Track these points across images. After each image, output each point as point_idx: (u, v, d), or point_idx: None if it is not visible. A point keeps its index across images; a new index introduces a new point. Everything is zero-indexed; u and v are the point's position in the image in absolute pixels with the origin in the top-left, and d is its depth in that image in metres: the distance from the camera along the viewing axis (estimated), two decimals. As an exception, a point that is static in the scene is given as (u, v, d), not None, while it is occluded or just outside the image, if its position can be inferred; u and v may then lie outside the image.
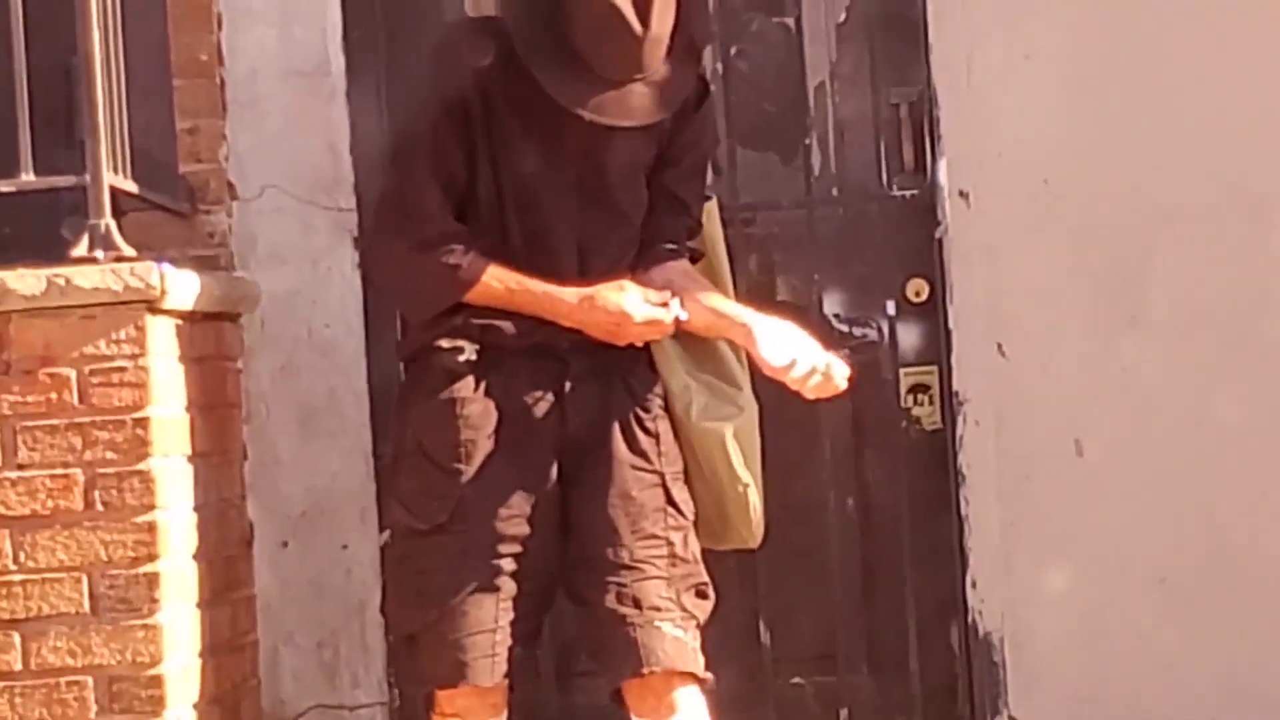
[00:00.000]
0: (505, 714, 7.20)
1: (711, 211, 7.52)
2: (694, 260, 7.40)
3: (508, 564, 7.08)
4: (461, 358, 7.13)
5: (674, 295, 7.17)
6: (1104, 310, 8.30)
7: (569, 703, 8.13)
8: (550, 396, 7.14)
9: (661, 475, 7.14)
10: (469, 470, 7.12)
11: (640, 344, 7.24)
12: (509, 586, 7.09)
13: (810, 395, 7.14)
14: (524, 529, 7.10)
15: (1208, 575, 8.27)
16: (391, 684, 8.24)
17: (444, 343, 7.15)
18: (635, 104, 7.09)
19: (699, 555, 7.17)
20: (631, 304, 7.11)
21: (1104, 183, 8.29)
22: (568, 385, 7.14)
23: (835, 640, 8.47)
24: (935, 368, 8.41)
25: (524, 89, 7.11)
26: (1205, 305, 8.30)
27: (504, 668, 7.06)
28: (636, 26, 6.95)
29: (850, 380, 7.24)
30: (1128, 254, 8.31)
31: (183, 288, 7.12)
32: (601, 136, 7.12)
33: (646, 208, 7.31)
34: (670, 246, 7.31)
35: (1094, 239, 8.31)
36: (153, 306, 6.95)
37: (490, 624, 7.06)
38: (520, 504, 7.09)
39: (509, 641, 7.08)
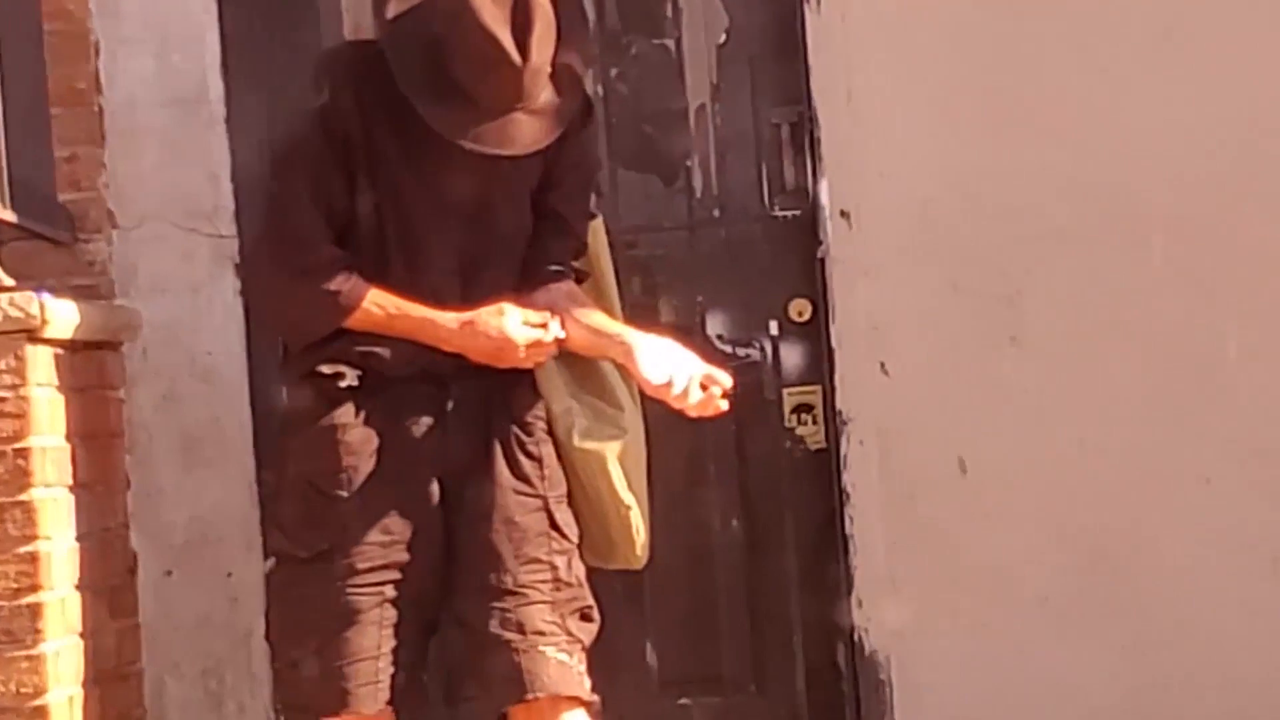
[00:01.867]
0: None
1: (597, 230, 7.51)
2: (579, 280, 7.37)
3: (389, 590, 7.07)
4: (343, 384, 7.10)
5: (554, 316, 7.16)
6: (985, 329, 8.31)
7: None
8: (431, 421, 7.13)
9: (544, 499, 7.13)
10: (350, 497, 7.07)
11: (523, 367, 7.17)
12: (391, 613, 7.09)
13: (692, 414, 7.11)
14: (405, 555, 7.08)
15: (1089, 594, 8.30)
16: (277, 712, 8.07)
17: (325, 369, 7.11)
18: (516, 133, 7.08)
19: (583, 578, 7.16)
20: (512, 327, 7.09)
21: (985, 203, 8.30)
22: (449, 409, 7.12)
23: (721, 661, 8.47)
24: (819, 387, 8.39)
25: (404, 115, 7.08)
26: (1085, 324, 8.32)
27: (387, 694, 7.07)
28: (516, 57, 6.92)
29: (733, 400, 7.18)
30: (1008, 273, 8.32)
31: (63, 317, 7.12)
32: (484, 163, 7.10)
33: (531, 229, 7.30)
34: (555, 268, 7.29)
35: (975, 259, 8.32)
36: (32, 336, 6.94)
37: (373, 651, 7.05)
38: (402, 530, 7.06)
39: (391, 668, 7.08)
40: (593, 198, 7.51)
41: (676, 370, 7.08)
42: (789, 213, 8.43)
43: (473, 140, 7.01)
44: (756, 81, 8.47)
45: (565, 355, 7.28)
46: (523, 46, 6.95)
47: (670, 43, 8.48)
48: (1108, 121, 8.39)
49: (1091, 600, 8.30)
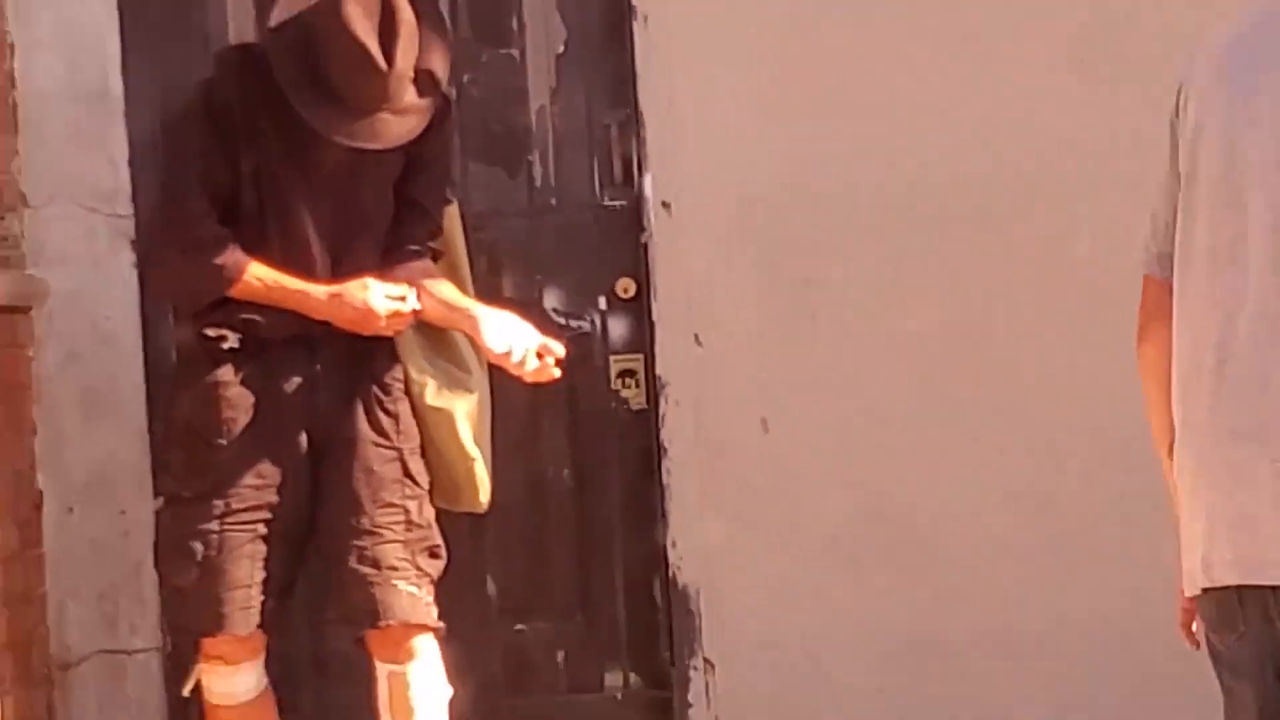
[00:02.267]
0: (262, 658, 7.32)
1: (453, 214, 7.66)
2: (435, 259, 7.54)
3: (261, 528, 7.21)
4: (225, 345, 7.23)
5: (412, 290, 7.30)
6: (787, 307, 8.31)
7: (320, 649, 8.09)
8: (302, 380, 7.28)
9: (399, 451, 7.28)
10: (228, 445, 7.22)
11: (384, 334, 7.33)
12: (262, 548, 7.22)
13: (528, 380, 7.31)
14: (275, 498, 7.23)
15: (874, 537, 8.32)
16: (164, 632, 8.09)
17: (210, 332, 7.24)
18: (382, 129, 7.23)
19: (432, 520, 7.34)
20: (374, 299, 7.22)
21: (789, 196, 8.29)
22: (318, 370, 7.29)
23: (553, 592, 8.49)
24: (641, 355, 8.39)
25: (282, 111, 7.24)
26: (873, 305, 8.32)
27: (258, 618, 7.21)
28: (382, 64, 7.10)
29: (566, 367, 7.42)
30: (808, 258, 8.30)
31: None
32: (353, 155, 7.25)
33: (393, 213, 7.43)
34: (414, 248, 7.44)
35: (779, 245, 8.33)
36: None
37: (246, 580, 7.18)
38: (273, 475, 7.22)
39: (262, 596, 7.22)
40: (448, 187, 7.70)
41: (516, 341, 7.30)
42: (617, 203, 8.45)
43: (344, 135, 7.16)
44: (590, 86, 8.48)
45: (421, 325, 7.47)
46: (389, 53, 7.10)
47: (515, 52, 8.46)
48: (901, 122, 8.34)
49: (875, 542, 8.31)
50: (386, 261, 7.39)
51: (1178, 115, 4.82)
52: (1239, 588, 4.67)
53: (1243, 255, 4.68)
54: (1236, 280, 4.68)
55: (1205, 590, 4.74)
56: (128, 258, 8.24)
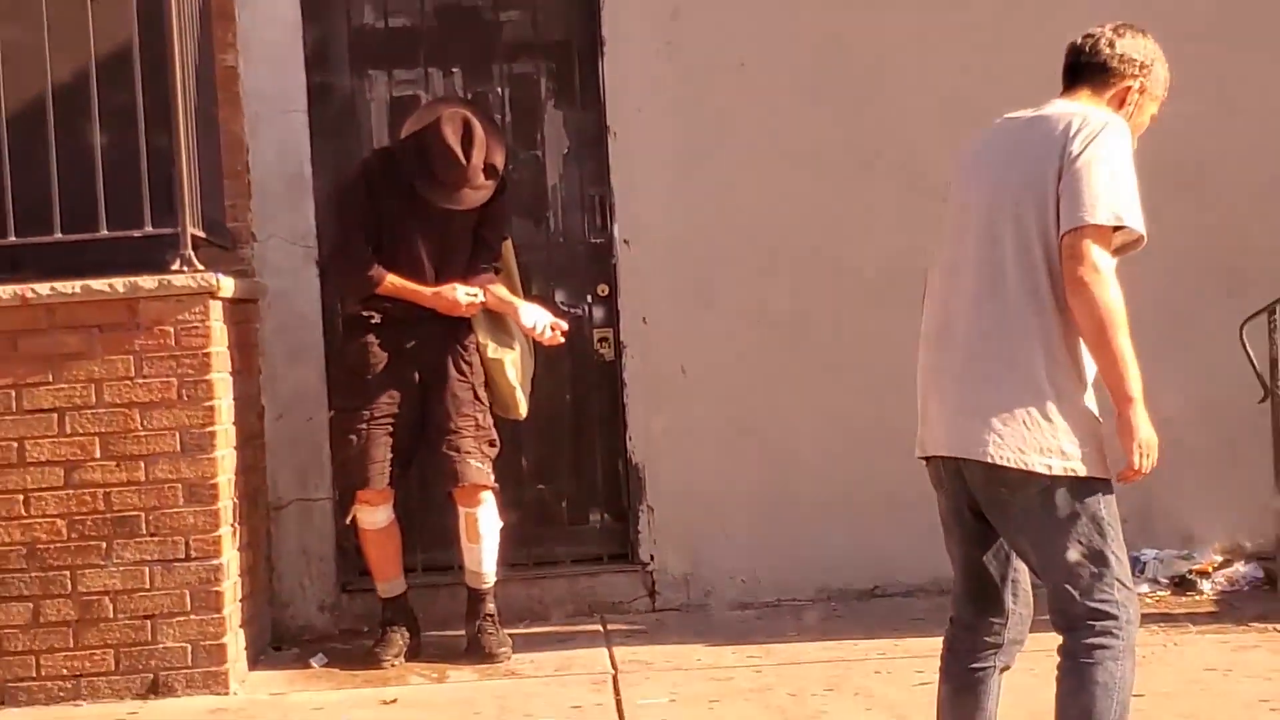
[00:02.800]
0: (391, 502, 7.56)
1: (508, 247, 7.81)
2: (496, 273, 7.68)
3: (390, 426, 7.49)
4: (372, 320, 7.54)
5: (481, 289, 7.48)
6: (696, 301, 8.23)
7: (425, 497, 7.91)
8: (415, 342, 7.54)
9: (472, 383, 7.57)
10: (372, 379, 7.46)
11: (465, 316, 7.54)
12: (390, 439, 7.46)
13: (546, 343, 7.58)
14: (398, 409, 7.47)
15: (746, 433, 8.25)
16: (334, 487, 7.99)
17: (363, 312, 7.56)
18: (464, 198, 7.43)
19: (492, 425, 7.61)
20: (459, 294, 7.47)
21: (698, 239, 8.25)
22: (425, 336, 7.50)
23: (560, 466, 8.40)
24: (611, 329, 8.33)
25: (406, 186, 7.39)
26: (747, 300, 8.25)
27: (388, 479, 7.46)
28: (463, 160, 7.34)
29: (569, 336, 7.67)
30: (708, 272, 8.24)
31: (227, 285, 7.19)
32: (447, 213, 7.47)
33: (471, 246, 7.55)
34: (484, 266, 7.62)
35: (692, 265, 8.24)
36: (213, 295, 7.02)
37: (381, 457, 7.46)
38: (397, 396, 7.50)
39: (390, 468, 7.44)
40: (505, 231, 7.80)
41: (540, 320, 7.52)
42: (598, 240, 8.37)
43: (442, 201, 7.43)
44: (582, 173, 8.34)
45: (486, 311, 7.62)
46: (468, 154, 7.34)
47: (539, 153, 8.38)
48: (764, 190, 8.24)
49: (747, 435, 8.28)
50: (467, 274, 7.55)
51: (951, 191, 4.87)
52: (929, 458, 4.83)
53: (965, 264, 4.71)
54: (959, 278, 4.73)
55: (920, 458, 4.88)
56: (313, 271, 8.13)
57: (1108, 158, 4.52)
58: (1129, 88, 4.78)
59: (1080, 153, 4.52)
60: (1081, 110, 4.67)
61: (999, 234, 4.63)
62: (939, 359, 4.77)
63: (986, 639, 4.83)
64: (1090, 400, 4.66)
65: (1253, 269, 8.06)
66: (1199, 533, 8.30)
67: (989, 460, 4.57)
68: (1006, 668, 4.88)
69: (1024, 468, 4.56)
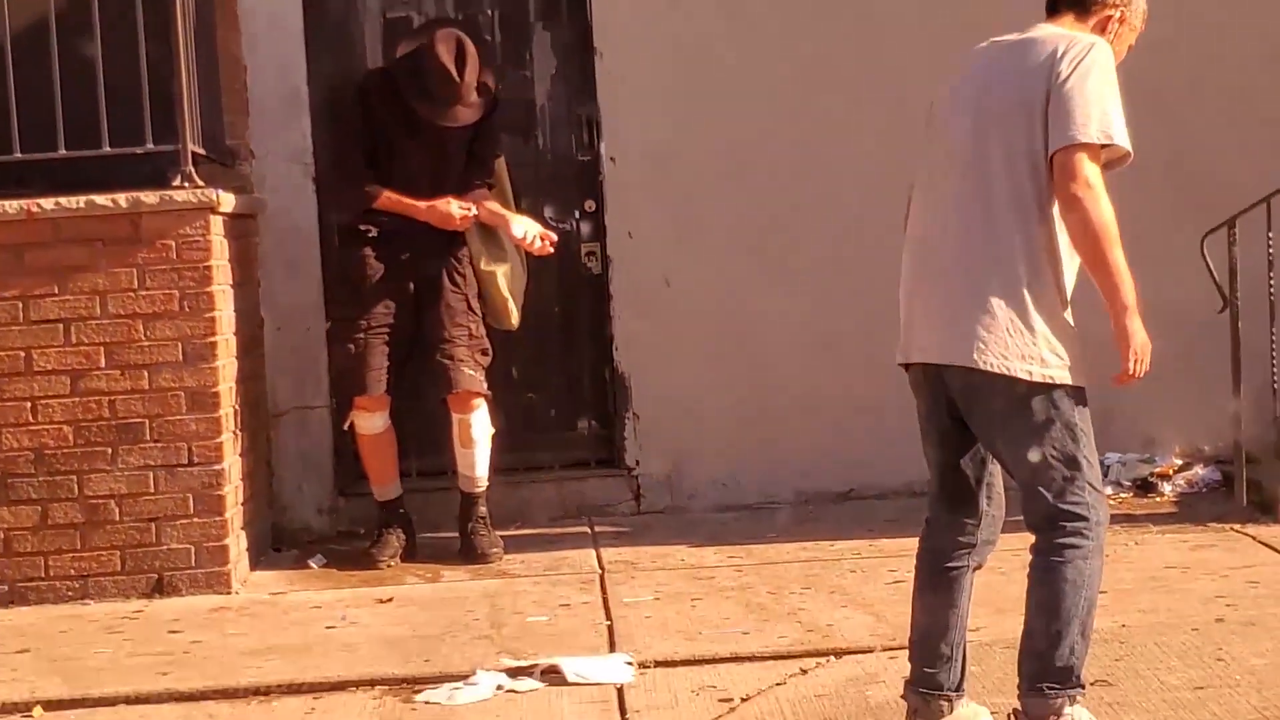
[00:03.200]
0: (388, 409, 7.58)
1: (501, 164, 7.78)
2: (489, 188, 7.68)
3: (386, 335, 7.48)
4: (370, 234, 7.52)
5: (474, 204, 7.49)
6: (677, 216, 8.23)
7: (419, 405, 7.76)
8: (410, 254, 7.51)
9: (465, 294, 7.57)
10: (368, 289, 7.46)
11: (458, 229, 7.53)
12: (386, 347, 7.47)
13: (536, 253, 7.57)
14: (394, 319, 7.47)
15: (723, 339, 8.23)
16: (332, 395, 8.03)
17: (360, 226, 7.56)
18: (457, 114, 7.41)
19: (484, 334, 7.60)
20: (453, 208, 7.46)
21: (678, 155, 8.20)
22: (420, 248, 7.48)
23: (549, 375, 8.39)
24: (598, 243, 8.31)
25: (401, 104, 7.37)
26: (722, 215, 8.23)
27: (385, 386, 7.47)
28: (457, 77, 7.33)
29: (558, 250, 7.67)
30: (688, 189, 8.21)
31: (227, 200, 7.18)
32: (441, 129, 7.43)
33: (464, 162, 7.56)
34: (476, 182, 7.63)
35: (673, 182, 8.21)
36: (213, 210, 7.01)
37: (378, 365, 7.45)
38: (393, 306, 7.49)
39: (387, 375, 7.45)
40: (497, 148, 7.74)
41: (529, 229, 7.48)
42: (585, 158, 8.34)
43: (436, 118, 7.41)
44: (570, 95, 8.31)
45: (479, 225, 7.63)
46: (460, 71, 7.32)
47: (528, 73, 8.30)
48: (751, 111, 8.20)
49: (724, 341, 8.25)
50: (460, 189, 7.54)
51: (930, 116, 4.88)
52: (909, 364, 4.86)
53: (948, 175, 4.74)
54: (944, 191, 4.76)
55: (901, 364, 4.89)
56: (310, 187, 8.11)
57: (1096, 78, 4.56)
58: (1109, 16, 4.82)
59: (1069, 74, 4.55)
60: (1068, 34, 4.70)
61: (986, 151, 4.65)
62: (924, 269, 4.78)
63: (961, 539, 4.86)
64: (1069, 312, 4.68)
65: (1213, 185, 8.08)
66: (1160, 437, 8.38)
67: (972, 365, 4.60)
68: (979, 566, 4.91)
69: (1005, 373, 4.58)
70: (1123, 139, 4.58)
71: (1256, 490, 7.69)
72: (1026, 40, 4.73)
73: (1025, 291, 4.60)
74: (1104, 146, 4.57)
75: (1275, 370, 7.73)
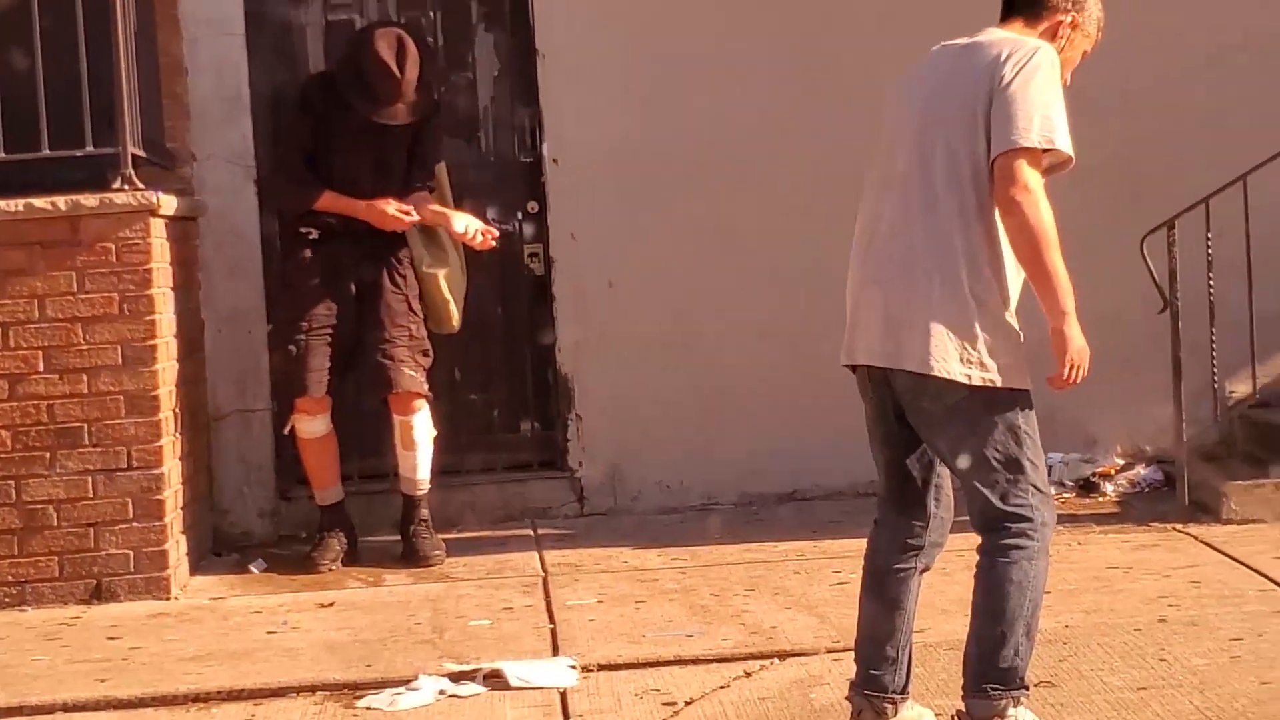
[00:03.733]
0: (329, 411, 7.55)
1: (442, 167, 7.78)
2: (430, 190, 7.67)
3: (327, 336, 7.44)
4: (311, 235, 7.50)
5: (415, 206, 7.47)
6: (621, 217, 8.18)
7: (361, 408, 7.71)
8: (351, 255, 7.47)
9: (406, 295, 7.54)
10: (309, 291, 7.43)
11: (398, 230, 7.52)
12: (328, 349, 7.43)
13: (478, 248, 7.55)
14: (335, 321, 7.43)
15: (667, 341, 8.20)
16: (273, 398, 7.98)
17: (301, 228, 7.53)
18: (397, 113, 7.36)
19: (425, 336, 7.58)
20: (390, 209, 7.42)
21: (622, 156, 8.17)
22: (361, 250, 7.48)
23: (491, 376, 8.32)
24: (541, 244, 8.29)
25: (342, 104, 7.35)
26: (667, 216, 8.20)
27: (326, 388, 7.43)
28: (398, 75, 7.28)
29: (499, 250, 7.68)
30: (633, 191, 8.18)
31: (168, 202, 7.15)
32: (382, 128, 7.40)
33: (406, 163, 7.54)
34: (417, 184, 7.60)
35: (617, 183, 8.18)
36: (154, 213, 6.96)
37: (319, 366, 7.42)
38: (334, 308, 7.46)
39: (328, 376, 7.42)
40: (438, 150, 7.72)
41: (470, 225, 7.45)
42: (527, 159, 8.30)
43: (376, 116, 7.36)
44: (513, 95, 8.27)
45: (422, 228, 7.62)
46: (401, 68, 7.27)
47: (471, 74, 8.27)
48: (695, 111, 8.18)
49: (669, 343, 8.23)
50: (401, 191, 7.52)
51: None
52: (854, 366, 4.85)
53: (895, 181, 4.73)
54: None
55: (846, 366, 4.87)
56: (251, 189, 8.05)
57: (1039, 82, 4.54)
58: (1061, 21, 4.79)
59: (1012, 78, 4.54)
60: (1014, 38, 4.69)
61: (929, 154, 4.65)
62: (869, 271, 4.77)
63: (909, 540, 4.84)
64: (1011, 316, 4.67)
65: (1152, 186, 8.11)
66: (1102, 437, 8.39)
67: (913, 369, 4.60)
68: (927, 569, 4.91)
69: (946, 376, 4.58)
70: (1065, 144, 4.56)
71: (1198, 489, 7.68)
72: (973, 44, 4.72)
73: (967, 295, 4.59)
74: (1046, 151, 4.55)
75: (1215, 370, 7.75)
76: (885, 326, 4.68)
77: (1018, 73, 4.53)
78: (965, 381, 4.58)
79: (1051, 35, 4.76)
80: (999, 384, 4.60)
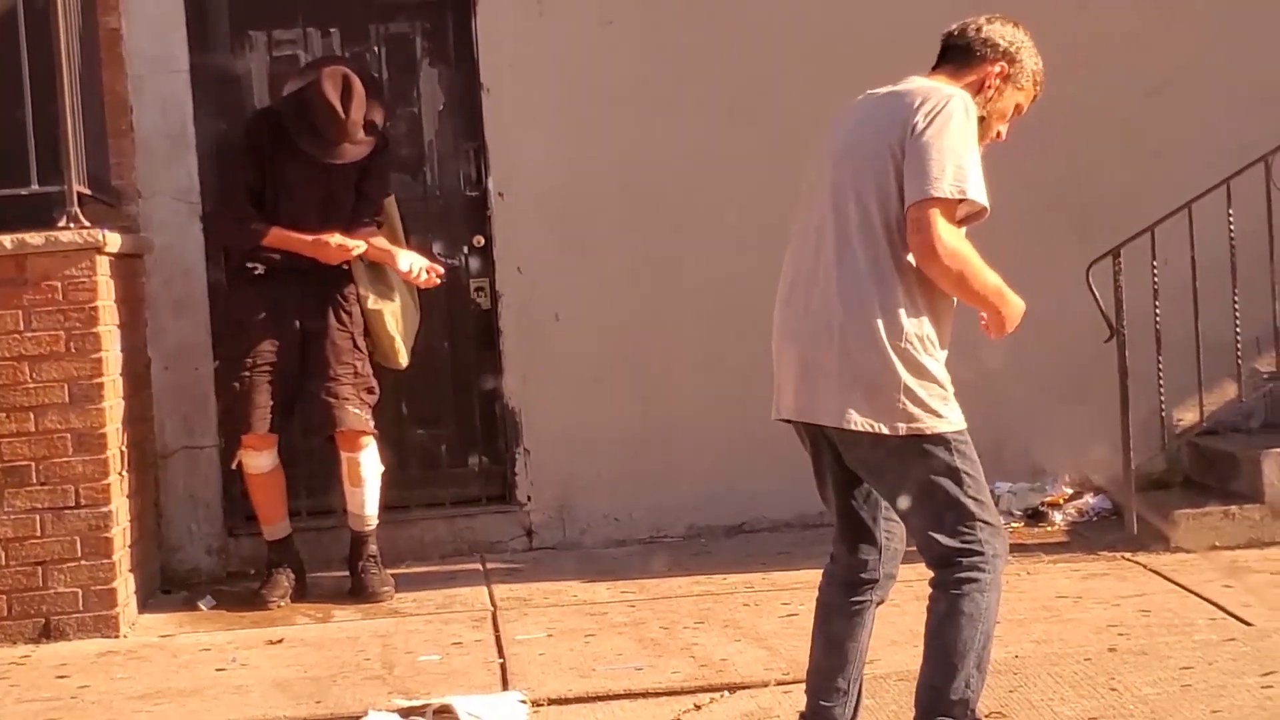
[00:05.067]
0: (275, 447, 7.55)
1: (391, 201, 7.79)
2: (379, 226, 7.70)
3: (270, 372, 7.39)
4: (256, 272, 7.49)
5: (361, 240, 7.45)
6: (565, 252, 8.21)
7: (308, 443, 7.81)
8: (297, 292, 7.45)
9: (351, 332, 7.53)
10: (255, 327, 7.41)
11: (344, 265, 7.51)
12: (271, 387, 7.40)
13: (422, 285, 7.56)
14: (278, 357, 7.40)
15: (613, 376, 8.24)
16: (220, 435, 8.00)
17: (247, 264, 7.51)
18: (344, 153, 7.39)
19: (371, 373, 7.56)
20: (335, 240, 7.38)
21: (566, 192, 8.22)
22: (306, 286, 7.46)
23: (440, 412, 8.36)
24: (487, 279, 8.29)
25: (288, 143, 7.35)
26: (611, 252, 8.23)
27: (269, 425, 7.41)
28: (343, 115, 7.30)
29: (446, 284, 7.69)
30: (575, 225, 8.22)
31: (114, 240, 7.12)
32: (328, 167, 7.42)
33: (354, 199, 7.54)
34: (365, 220, 7.62)
35: (561, 218, 8.22)
36: (99, 250, 6.95)
37: (265, 403, 7.41)
38: (279, 345, 7.42)
39: (271, 413, 7.41)
40: (386, 186, 7.73)
41: (415, 263, 7.45)
42: (473, 193, 8.32)
43: (323, 156, 7.38)
44: (457, 128, 8.29)
45: (369, 265, 7.61)
46: (347, 109, 7.29)
47: (416, 109, 8.30)
48: (635, 153, 8.23)
49: (615, 377, 8.25)
50: (350, 229, 7.49)
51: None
52: (788, 421, 4.79)
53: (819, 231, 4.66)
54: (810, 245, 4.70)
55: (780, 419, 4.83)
56: (198, 226, 8.05)
57: (951, 132, 4.47)
58: (990, 72, 4.73)
59: (925, 128, 4.48)
60: (933, 87, 4.63)
61: (843, 204, 4.59)
62: (790, 326, 4.73)
63: (863, 575, 4.81)
64: (937, 359, 4.61)
65: (1098, 214, 8.14)
66: (1050, 466, 8.37)
67: (839, 426, 4.57)
68: (881, 601, 4.88)
69: (871, 430, 4.54)
70: (978, 194, 4.50)
71: (1146, 518, 7.68)
72: (892, 93, 4.66)
73: (885, 345, 4.52)
74: (960, 201, 4.49)
75: (1163, 398, 7.76)
76: (807, 383, 4.62)
77: (930, 122, 4.47)
78: (892, 434, 4.53)
79: (978, 87, 4.71)
80: (927, 431, 4.54)
